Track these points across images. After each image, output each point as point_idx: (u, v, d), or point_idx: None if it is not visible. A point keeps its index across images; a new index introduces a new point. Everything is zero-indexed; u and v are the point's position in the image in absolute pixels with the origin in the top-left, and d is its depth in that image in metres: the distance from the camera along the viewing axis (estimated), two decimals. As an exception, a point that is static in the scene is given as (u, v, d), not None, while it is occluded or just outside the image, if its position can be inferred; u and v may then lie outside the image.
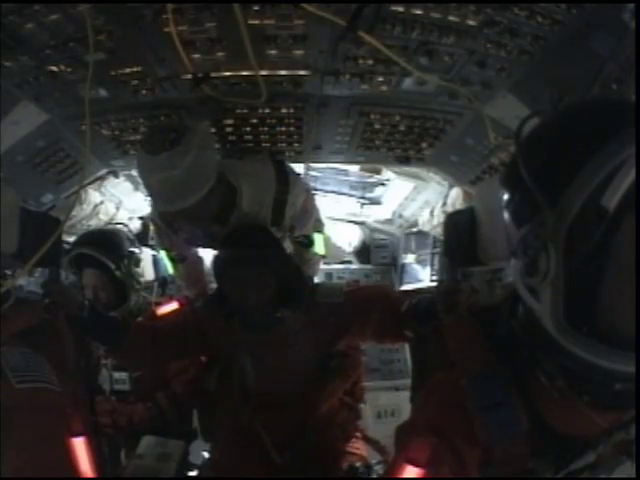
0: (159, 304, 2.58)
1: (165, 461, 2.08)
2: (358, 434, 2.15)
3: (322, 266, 3.33)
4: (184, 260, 2.55)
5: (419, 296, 1.96)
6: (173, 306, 2.49)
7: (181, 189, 1.74)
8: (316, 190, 3.37)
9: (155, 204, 2.10)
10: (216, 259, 2.01)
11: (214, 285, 2.15)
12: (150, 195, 1.96)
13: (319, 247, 2.60)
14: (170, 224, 2.21)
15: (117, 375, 2.41)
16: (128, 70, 1.73)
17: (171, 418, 2.31)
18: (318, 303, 2.01)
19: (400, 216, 3.83)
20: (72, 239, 2.68)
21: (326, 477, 2.05)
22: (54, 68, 1.66)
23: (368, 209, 3.89)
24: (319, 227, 2.58)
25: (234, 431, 2.01)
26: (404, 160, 2.47)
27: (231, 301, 1.98)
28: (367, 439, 2.15)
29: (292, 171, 2.22)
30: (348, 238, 4.06)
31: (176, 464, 2.09)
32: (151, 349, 1.96)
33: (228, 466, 1.97)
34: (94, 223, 3.00)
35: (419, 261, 3.81)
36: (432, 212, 3.15)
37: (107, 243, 2.45)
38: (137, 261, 2.56)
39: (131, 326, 1.95)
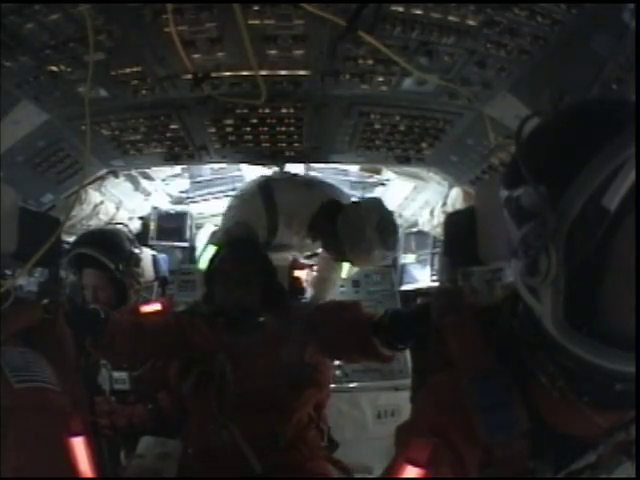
0: (144, 303, 2.55)
1: (166, 460, 2.08)
2: (323, 455, 2.16)
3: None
4: None
5: (394, 308, 2.05)
6: (156, 307, 2.48)
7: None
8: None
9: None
10: (210, 260, 2.24)
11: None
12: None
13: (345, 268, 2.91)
14: None
15: (117, 375, 2.40)
16: (128, 70, 1.73)
17: (172, 419, 2.30)
18: (293, 313, 2.14)
19: (400, 216, 3.83)
20: (72, 239, 2.68)
21: (322, 477, 2.05)
22: (54, 68, 1.65)
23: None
24: None
25: (209, 436, 1.99)
26: (404, 160, 2.47)
27: (218, 299, 2.09)
28: (332, 461, 2.16)
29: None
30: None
31: (176, 463, 2.09)
32: (130, 344, 1.96)
33: (201, 471, 1.96)
34: (94, 223, 3.00)
35: (419, 261, 3.81)
36: (432, 212, 3.15)
37: (107, 243, 2.45)
38: (137, 261, 2.55)
39: (111, 318, 1.93)
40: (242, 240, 2.34)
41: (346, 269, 3.00)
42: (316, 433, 2.15)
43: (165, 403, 2.30)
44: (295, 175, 2.85)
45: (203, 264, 2.70)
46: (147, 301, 2.60)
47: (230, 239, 2.34)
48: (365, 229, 2.29)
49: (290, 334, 2.03)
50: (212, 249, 2.63)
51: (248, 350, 1.99)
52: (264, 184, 2.62)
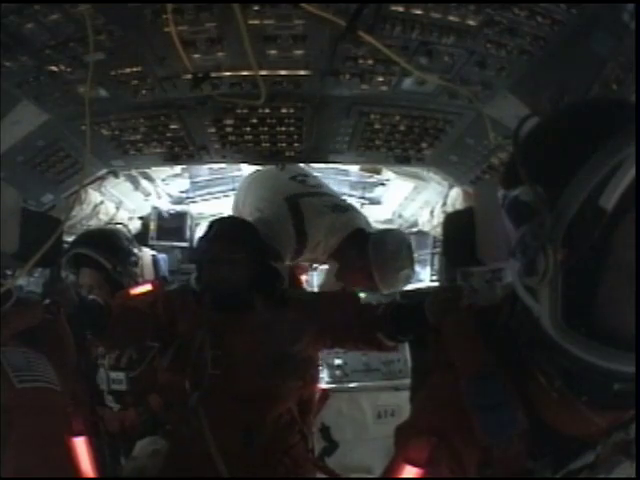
0: (134, 285, 2.54)
1: (154, 457, 2.06)
2: (311, 466, 2.08)
3: (323, 266, 3.33)
4: None
5: (398, 301, 2.14)
6: (146, 287, 2.46)
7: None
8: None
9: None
10: (198, 239, 2.21)
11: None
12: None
13: None
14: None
15: (114, 375, 2.38)
16: (128, 70, 1.73)
17: (163, 420, 2.26)
18: (288, 299, 2.08)
19: (400, 216, 3.83)
20: (72, 239, 2.68)
21: (324, 477, 2.05)
22: (54, 68, 1.66)
23: (368, 209, 3.89)
24: None
25: (182, 429, 1.90)
26: (404, 160, 2.47)
27: (205, 280, 2.05)
28: (320, 467, 2.11)
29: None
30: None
31: (163, 458, 2.07)
32: (120, 326, 1.92)
33: (176, 459, 1.89)
34: (94, 223, 3.00)
35: (419, 261, 3.81)
36: (432, 212, 3.15)
37: (105, 243, 2.45)
38: (135, 261, 2.55)
39: (112, 308, 1.91)
40: (230, 219, 2.31)
41: None
42: (300, 440, 2.05)
43: (155, 405, 2.27)
44: (318, 188, 2.81)
45: None
46: (137, 283, 2.58)
47: (217, 219, 2.28)
48: (401, 251, 2.55)
49: (282, 320, 1.98)
50: None
51: (233, 330, 1.94)
52: (294, 204, 2.58)
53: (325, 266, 3.24)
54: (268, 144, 2.36)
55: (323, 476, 2.13)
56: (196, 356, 1.87)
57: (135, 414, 2.25)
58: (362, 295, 2.79)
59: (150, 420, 2.25)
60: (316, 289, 3.59)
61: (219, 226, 2.16)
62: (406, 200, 3.59)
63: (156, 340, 2.16)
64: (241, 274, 2.03)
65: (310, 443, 2.13)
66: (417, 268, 3.81)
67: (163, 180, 3.73)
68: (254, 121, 2.17)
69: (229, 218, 2.34)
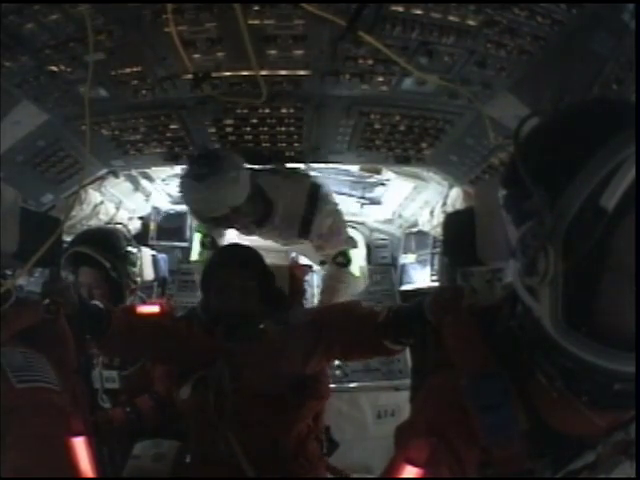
0: (142, 304, 2.52)
1: (160, 461, 2.06)
2: (323, 466, 2.13)
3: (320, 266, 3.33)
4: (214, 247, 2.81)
5: (397, 305, 2.13)
6: (154, 309, 2.39)
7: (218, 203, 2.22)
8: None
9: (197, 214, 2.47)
10: (205, 267, 2.20)
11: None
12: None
13: (355, 267, 2.82)
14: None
15: (107, 373, 2.36)
16: (128, 70, 1.73)
17: (151, 422, 2.24)
18: (294, 321, 2.08)
19: (400, 216, 3.83)
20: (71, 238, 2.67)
21: (324, 477, 2.05)
22: (54, 68, 1.66)
23: (368, 209, 3.89)
24: (352, 244, 2.83)
25: (206, 444, 1.96)
26: (404, 160, 2.47)
27: (215, 306, 2.04)
28: (331, 469, 2.15)
29: (323, 196, 2.56)
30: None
31: (171, 463, 2.07)
32: (123, 343, 1.93)
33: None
34: (94, 223, 2.99)
35: (419, 261, 3.81)
36: (432, 212, 3.15)
37: (103, 241, 2.44)
38: (133, 261, 2.55)
39: (113, 314, 1.91)
40: (238, 246, 2.32)
41: (356, 265, 2.92)
42: (316, 444, 2.10)
43: (144, 407, 2.25)
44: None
45: (195, 254, 2.90)
46: (145, 302, 2.58)
47: (225, 246, 2.34)
48: None
49: (291, 342, 1.99)
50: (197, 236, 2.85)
51: (247, 358, 1.94)
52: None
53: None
54: (268, 144, 2.36)
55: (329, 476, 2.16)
56: (217, 388, 1.91)
57: (123, 414, 2.23)
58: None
59: (137, 421, 2.22)
60: (316, 289, 3.59)
61: (228, 253, 2.17)
62: (406, 200, 3.59)
63: (159, 363, 2.23)
64: (253, 300, 2.04)
65: (323, 447, 2.18)
66: (417, 268, 3.83)
67: (163, 180, 3.73)
68: (254, 121, 2.17)
69: (237, 245, 2.36)
